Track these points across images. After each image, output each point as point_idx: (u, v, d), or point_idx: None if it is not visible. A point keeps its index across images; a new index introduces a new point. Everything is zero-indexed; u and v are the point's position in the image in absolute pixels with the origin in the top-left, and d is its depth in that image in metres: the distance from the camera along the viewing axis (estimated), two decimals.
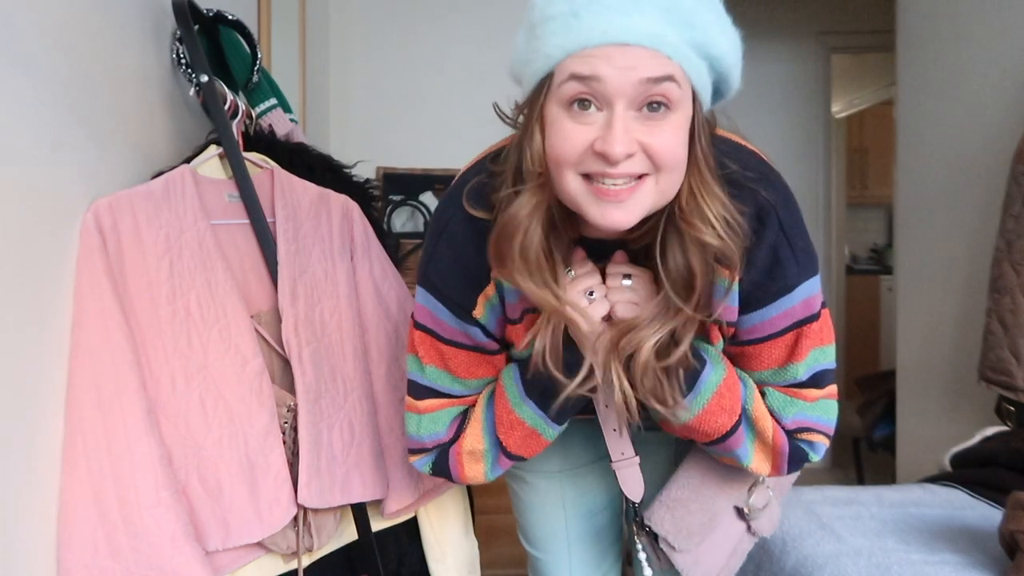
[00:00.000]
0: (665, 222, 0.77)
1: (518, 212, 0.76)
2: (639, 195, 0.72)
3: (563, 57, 0.69)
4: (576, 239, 0.84)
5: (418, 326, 0.91)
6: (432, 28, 2.72)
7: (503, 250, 0.78)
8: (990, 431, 1.72)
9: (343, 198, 1.22)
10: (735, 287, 0.80)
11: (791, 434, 0.87)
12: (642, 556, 0.96)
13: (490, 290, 0.86)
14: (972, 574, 1.14)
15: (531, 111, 0.75)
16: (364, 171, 1.45)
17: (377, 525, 1.13)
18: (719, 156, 0.78)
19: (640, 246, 0.82)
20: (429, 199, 2.42)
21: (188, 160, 1.12)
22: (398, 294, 1.21)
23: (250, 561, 1.00)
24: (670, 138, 0.70)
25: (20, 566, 0.80)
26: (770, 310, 0.82)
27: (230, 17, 1.32)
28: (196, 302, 0.98)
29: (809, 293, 0.82)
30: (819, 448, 0.88)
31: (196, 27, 1.18)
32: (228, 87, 1.21)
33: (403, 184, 2.46)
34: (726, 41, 0.77)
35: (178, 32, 1.20)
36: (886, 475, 3.11)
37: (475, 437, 0.92)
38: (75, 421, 0.87)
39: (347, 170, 1.37)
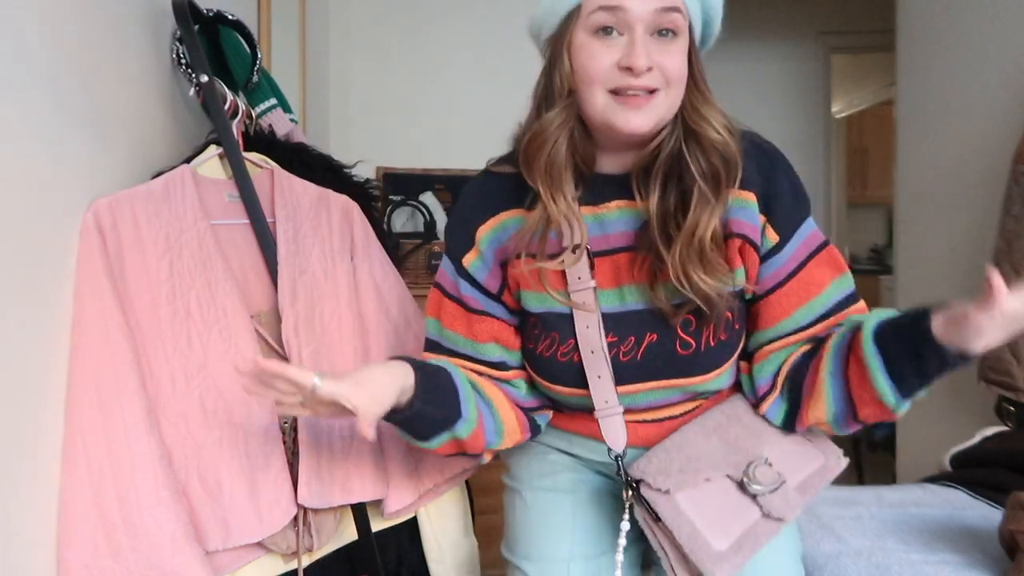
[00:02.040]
0: (682, 134, 0.90)
1: (548, 125, 0.88)
2: (653, 104, 0.86)
3: None
4: (591, 176, 0.94)
5: (435, 285, 1.03)
6: (432, 28, 2.72)
7: (531, 154, 0.90)
8: (990, 431, 1.71)
9: (343, 198, 1.22)
10: (750, 202, 0.91)
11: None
12: (624, 526, 0.95)
13: (480, 237, 0.97)
14: (972, 574, 1.14)
15: (559, 42, 0.88)
16: (364, 171, 1.45)
17: (377, 525, 1.13)
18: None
19: (645, 183, 0.92)
20: (429, 199, 2.42)
21: (188, 160, 1.12)
22: (398, 294, 1.21)
23: (250, 561, 1.00)
24: (677, 58, 0.86)
25: (20, 566, 0.80)
26: (794, 241, 0.92)
27: (230, 17, 1.33)
28: (196, 302, 0.98)
29: (814, 226, 0.95)
30: None
31: (196, 27, 1.18)
32: (228, 87, 1.21)
33: (403, 184, 2.46)
34: None
35: (178, 32, 1.20)
36: (886, 475, 3.10)
37: None
38: (75, 421, 0.87)
39: (347, 170, 1.37)
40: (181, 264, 0.98)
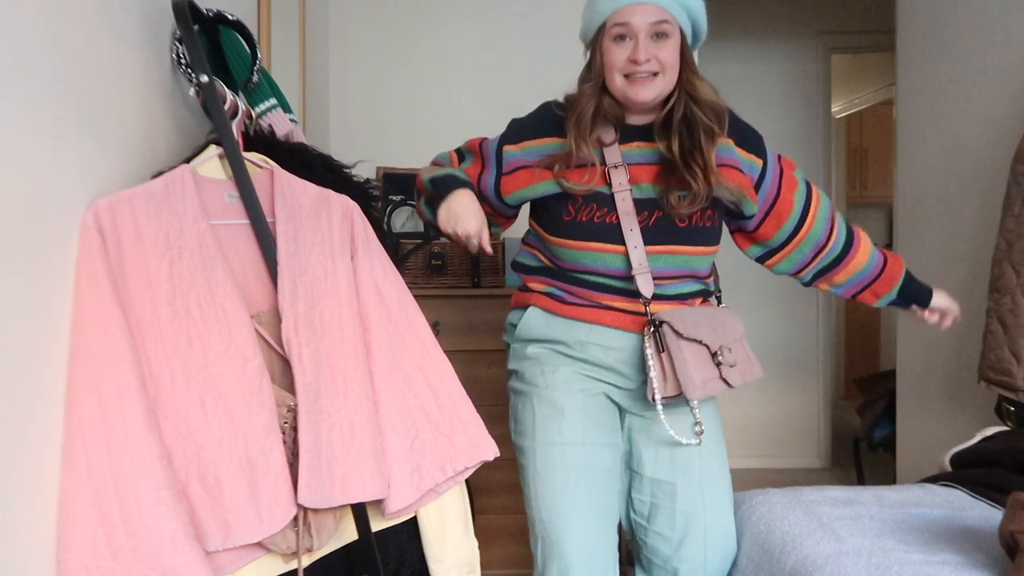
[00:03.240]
0: (688, 100, 1.35)
1: (583, 93, 1.37)
2: (654, 83, 1.32)
3: (610, 14, 1.31)
4: (621, 124, 1.40)
5: (481, 139, 1.52)
6: (432, 29, 2.72)
7: (570, 109, 1.38)
8: (990, 431, 1.71)
9: (343, 198, 1.22)
10: (730, 145, 1.41)
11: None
12: (648, 357, 1.35)
13: (526, 145, 1.43)
14: (972, 574, 1.14)
15: (594, 47, 1.36)
16: (364, 171, 1.45)
17: (377, 525, 1.13)
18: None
19: (665, 134, 1.38)
20: None
21: (188, 160, 1.12)
22: (398, 294, 1.21)
23: (250, 561, 1.00)
24: (669, 52, 1.31)
25: (20, 566, 0.80)
26: (770, 163, 1.47)
27: (230, 17, 1.33)
28: (196, 302, 0.98)
29: (772, 152, 1.49)
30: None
31: (196, 27, 1.18)
32: (228, 87, 1.21)
33: (403, 184, 2.46)
34: (696, 2, 1.35)
35: (178, 32, 1.20)
36: (886, 475, 3.11)
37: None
38: (75, 421, 0.87)
39: (347, 170, 1.37)
40: (181, 264, 0.98)
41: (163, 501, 0.88)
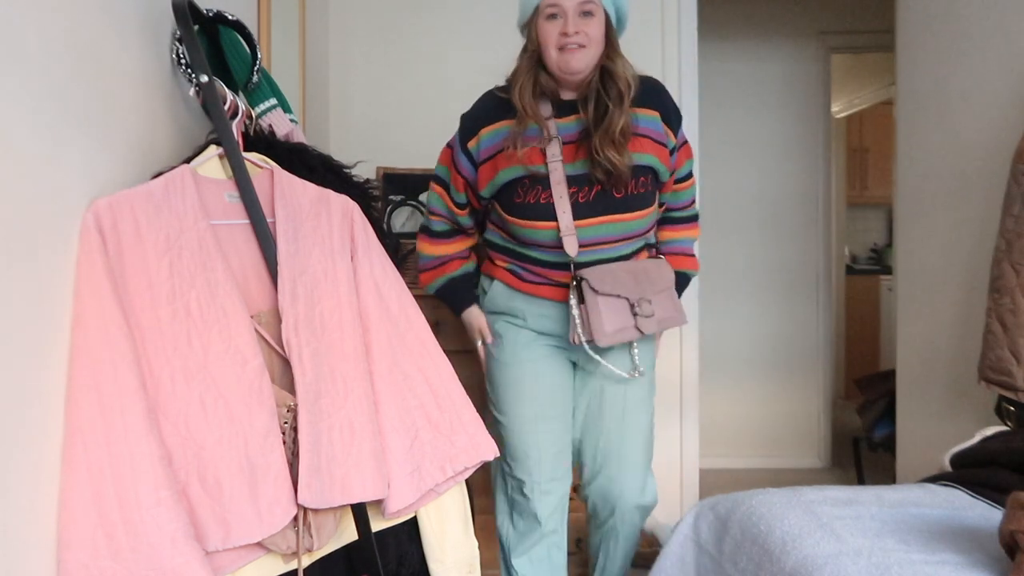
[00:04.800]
0: (601, 74, 1.57)
1: (520, 67, 1.59)
2: (583, 54, 1.52)
3: None
4: (556, 100, 1.61)
5: (448, 146, 1.72)
6: (432, 29, 2.72)
7: (512, 86, 1.59)
8: (990, 431, 1.71)
9: (343, 198, 1.22)
10: (655, 117, 1.62)
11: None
12: (572, 307, 1.61)
13: (482, 134, 1.62)
14: (972, 574, 1.14)
15: (530, 27, 1.56)
16: (364, 171, 1.45)
17: (377, 525, 1.13)
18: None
19: (585, 105, 1.57)
20: None
21: (188, 160, 1.12)
22: (398, 294, 1.21)
23: (250, 561, 1.00)
24: (594, 27, 1.52)
25: (20, 566, 0.80)
26: (680, 138, 1.68)
27: (230, 17, 1.33)
28: (196, 302, 0.98)
29: (684, 131, 1.72)
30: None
31: (196, 27, 1.18)
32: (228, 87, 1.21)
33: (403, 184, 2.46)
34: None
35: (178, 32, 1.20)
36: (886, 475, 3.10)
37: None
38: (75, 421, 0.87)
39: (347, 170, 1.37)
40: (181, 264, 0.98)
41: (163, 501, 0.88)
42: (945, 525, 1.33)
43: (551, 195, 1.56)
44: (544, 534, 1.74)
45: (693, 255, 1.83)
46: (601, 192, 1.57)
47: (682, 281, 1.79)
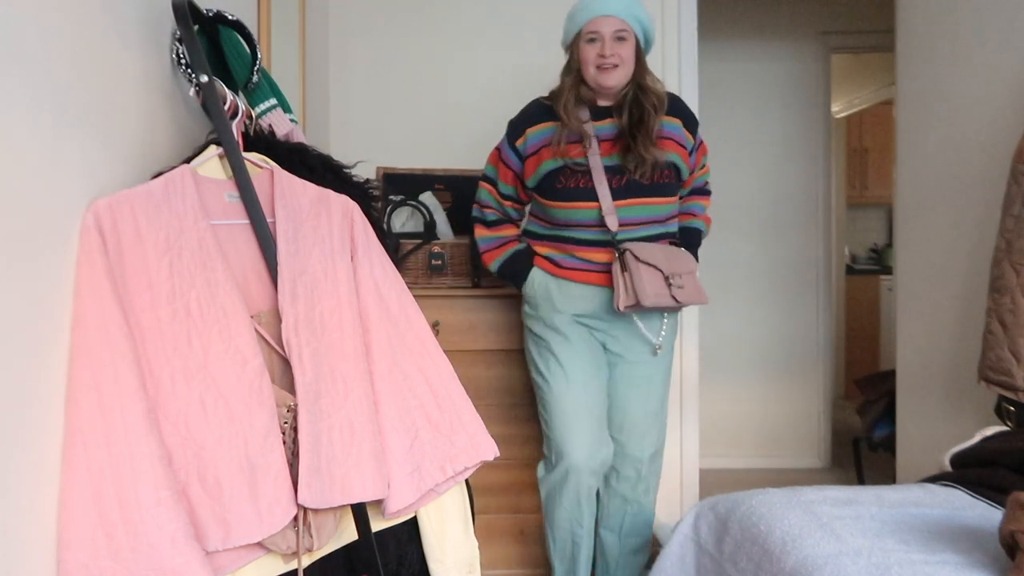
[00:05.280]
0: (635, 91, 1.86)
1: (564, 84, 1.89)
2: (616, 73, 1.82)
3: (585, 23, 1.82)
4: (594, 107, 1.90)
5: (496, 149, 2.01)
6: (432, 29, 2.72)
7: (557, 97, 1.89)
8: (990, 431, 1.71)
9: (343, 198, 1.22)
10: (678, 124, 1.94)
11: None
12: (616, 274, 1.84)
13: (528, 132, 1.92)
14: (972, 574, 1.14)
15: (573, 48, 1.88)
16: (364, 171, 1.45)
17: (377, 525, 1.13)
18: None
19: (620, 112, 1.87)
20: (429, 199, 2.42)
21: (188, 160, 1.12)
22: (398, 294, 1.21)
23: (250, 561, 1.00)
24: (627, 50, 1.82)
25: (20, 566, 0.80)
26: (698, 140, 2.01)
27: (230, 17, 1.33)
28: (196, 302, 0.98)
29: (701, 136, 2.05)
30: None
31: (196, 27, 1.18)
32: (228, 87, 1.21)
33: (403, 184, 2.46)
34: (646, 17, 1.85)
35: (178, 32, 1.20)
36: (886, 475, 3.11)
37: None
38: (75, 421, 0.87)
39: (347, 170, 1.37)
40: (181, 264, 0.98)
41: (163, 501, 0.88)
42: (945, 525, 1.33)
43: (591, 180, 1.85)
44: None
45: (706, 215, 2.12)
46: (631, 180, 1.86)
47: (695, 237, 2.07)
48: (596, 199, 1.84)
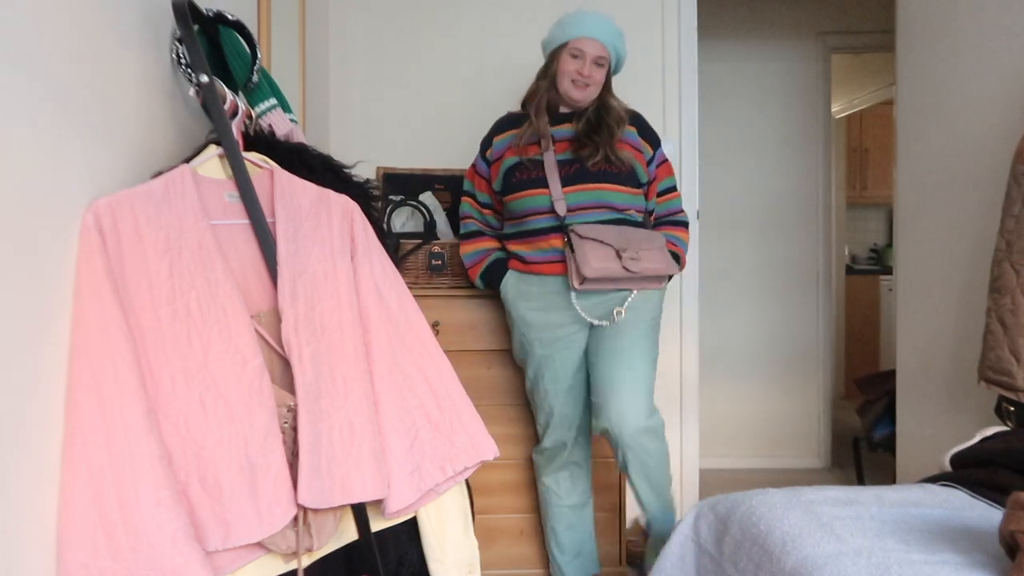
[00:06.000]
0: (598, 106, 2.03)
1: (539, 87, 2.04)
2: (587, 90, 1.99)
3: (573, 38, 1.97)
4: (554, 113, 2.05)
5: (472, 165, 2.17)
6: (432, 29, 2.72)
7: (529, 100, 2.06)
8: (990, 431, 1.71)
9: (343, 198, 1.22)
10: (634, 132, 2.07)
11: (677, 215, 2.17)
12: (566, 255, 1.96)
13: (494, 141, 2.10)
14: (972, 574, 1.14)
15: (554, 56, 2.01)
16: (364, 171, 1.45)
17: (377, 525, 1.13)
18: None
19: (579, 118, 2.03)
20: (429, 199, 2.42)
21: (188, 160, 1.12)
22: (398, 294, 1.21)
23: (250, 561, 1.00)
24: (600, 74, 2.00)
25: (20, 566, 0.80)
26: (657, 155, 2.11)
27: (230, 17, 1.33)
28: (196, 302, 0.98)
29: (663, 150, 2.16)
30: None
31: (196, 27, 1.18)
32: (228, 87, 1.21)
33: (403, 184, 2.46)
34: (623, 50, 2.05)
35: (178, 32, 1.20)
36: (886, 475, 3.11)
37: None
38: (75, 421, 0.87)
39: (347, 170, 1.37)
40: (181, 264, 0.99)
41: (163, 501, 0.88)
42: (945, 525, 1.33)
43: (543, 171, 1.99)
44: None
45: (681, 248, 2.12)
46: (581, 168, 1.99)
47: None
48: (547, 187, 1.96)
